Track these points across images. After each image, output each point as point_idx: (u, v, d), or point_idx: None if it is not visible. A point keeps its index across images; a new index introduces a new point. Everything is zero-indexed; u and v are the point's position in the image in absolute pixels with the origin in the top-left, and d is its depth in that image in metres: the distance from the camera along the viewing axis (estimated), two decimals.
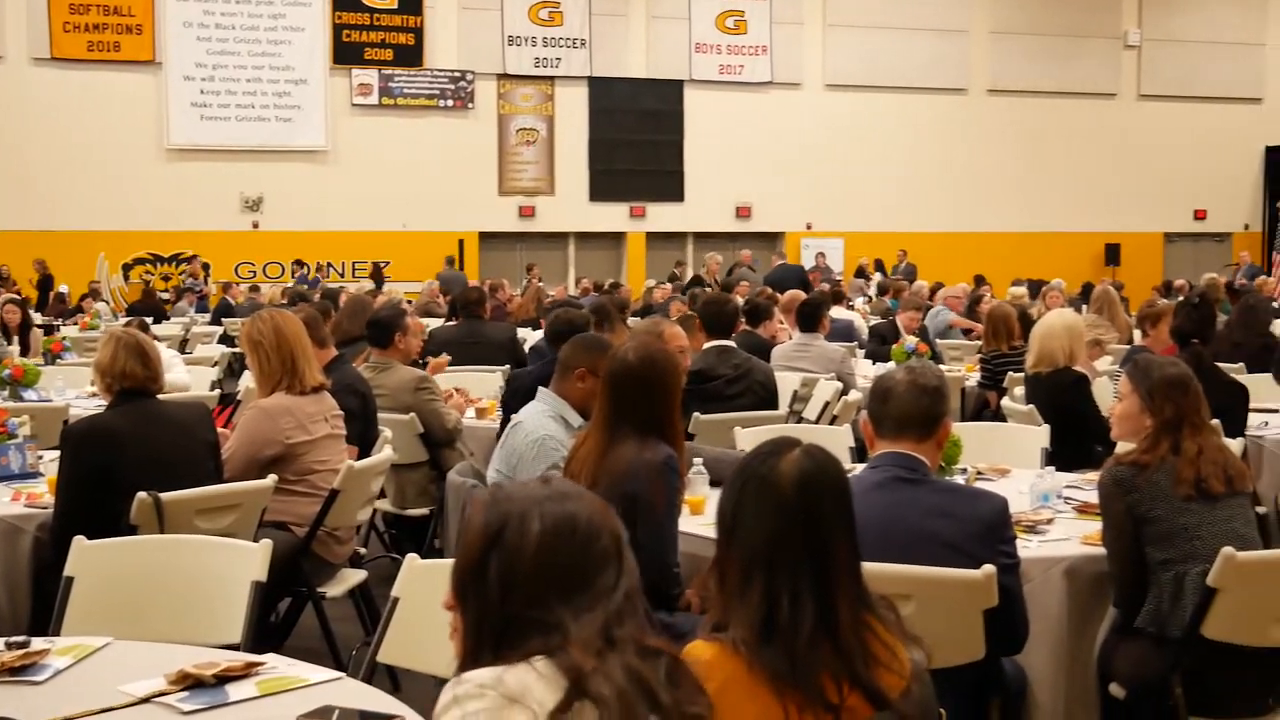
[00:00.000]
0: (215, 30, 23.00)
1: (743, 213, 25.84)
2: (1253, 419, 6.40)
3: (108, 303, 19.80)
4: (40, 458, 5.19)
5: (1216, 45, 27.82)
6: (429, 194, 23.73)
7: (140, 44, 22.65)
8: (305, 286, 18.24)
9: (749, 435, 5.61)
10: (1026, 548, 3.83)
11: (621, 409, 3.90)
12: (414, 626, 3.36)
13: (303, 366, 5.08)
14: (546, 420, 4.47)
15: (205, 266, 22.21)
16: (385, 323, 6.80)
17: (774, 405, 6.87)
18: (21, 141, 21.82)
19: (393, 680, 4.08)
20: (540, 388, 4.67)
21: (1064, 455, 5.53)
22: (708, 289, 15.56)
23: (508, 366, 8.65)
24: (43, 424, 6.06)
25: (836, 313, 11.64)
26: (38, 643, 3.01)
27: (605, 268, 24.49)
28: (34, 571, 4.43)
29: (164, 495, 4.28)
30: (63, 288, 19.76)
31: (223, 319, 15.73)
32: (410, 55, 23.96)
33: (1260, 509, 5.09)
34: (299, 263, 22.59)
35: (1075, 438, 5.88)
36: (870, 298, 18.94)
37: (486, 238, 24.61)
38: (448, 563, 3.52)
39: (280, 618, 5.13)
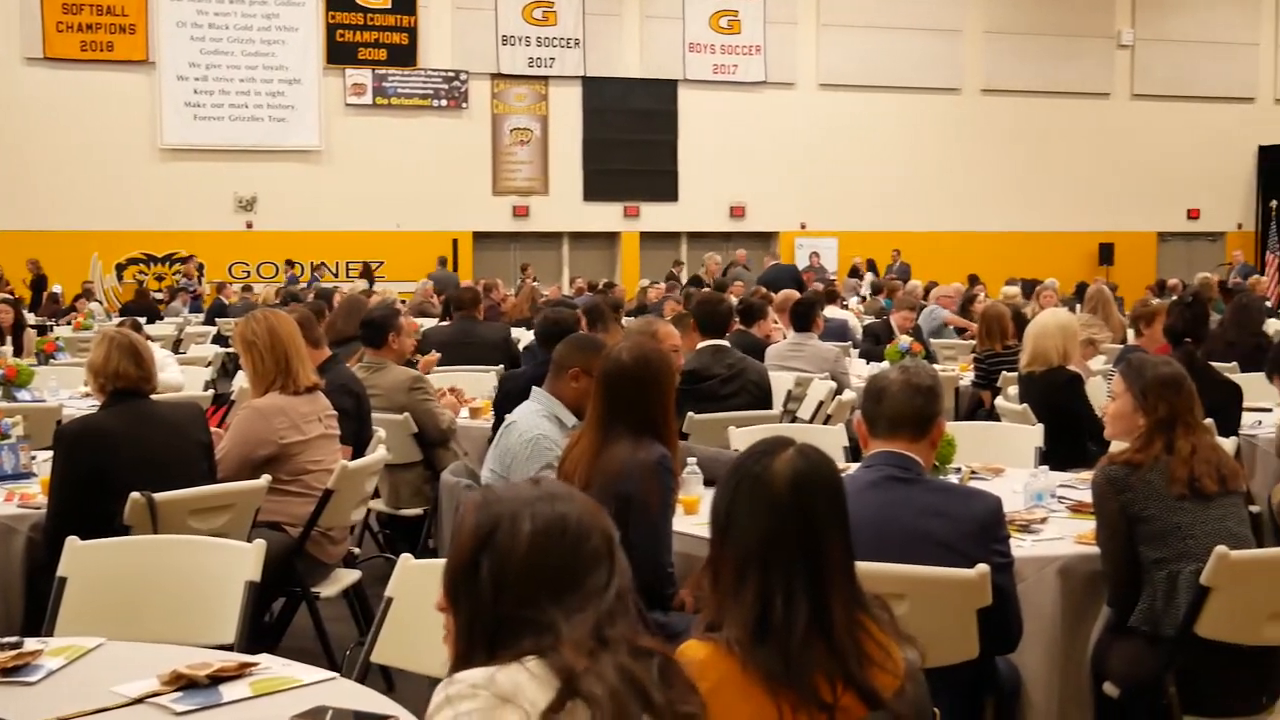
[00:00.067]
0: (209, 30, 22.98)
1: (737, 212, 25.85)
2: (1246, 418, 6.41)
3: (101, 303, 19.78)
4: (33, 458, 5.18)
5: (1210, 45, 27.86)
6: (423, 194, 23.72)
7: (133, 44, 22.62)
8: (298, 286, 18.23)
9: (743, 435, 5.61)
10: (1020, 547, 3.83)
11: (615, 409, 3.90)
12: (408, 626, 3.36)
13: (296, 366, 5.07)
14: (540, 420, 4.46)
15: (200, 267, 22.18)
16: (379, 323, 6.79)
17: (768, 405, 6.87)
18: (14, 141, 21.78)
19: (386, 680, 4.08)
20: (534, 387, 4.66)
21: (1058, 454, 5.54)
22: (706, 289, 15.56)
23: (501, 366, 8.65)
24: (36, 424, 6.05)
25: (830, 312, 11.66)
26: (31, 643, 3.00)
27: (599, 267, 24.48)
28: (27, 572, 4.43)
29: (157, 495, 4.28)
30: (56, 288, 19.73)
31: (216, 319, 15.72)
32: (404, 55, 23.95)
33: (1253, 508, 5.11)
34: (290, 263, 22.56)
35: (1069, 437, 5.89)
36: (864, 297, 18.96)
37: (480, 237, 24.60)
38: (441, 563, 3.51)
39: (274, 618, 5.13)
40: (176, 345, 12.72)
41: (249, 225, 23.39)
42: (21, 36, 22.02)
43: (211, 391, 8.37)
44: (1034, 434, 5.87)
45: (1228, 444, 4.98)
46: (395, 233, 23.74)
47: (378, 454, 5.50)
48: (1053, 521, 4.25)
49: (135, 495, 4.24)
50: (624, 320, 9.87)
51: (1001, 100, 26.89)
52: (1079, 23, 27.30)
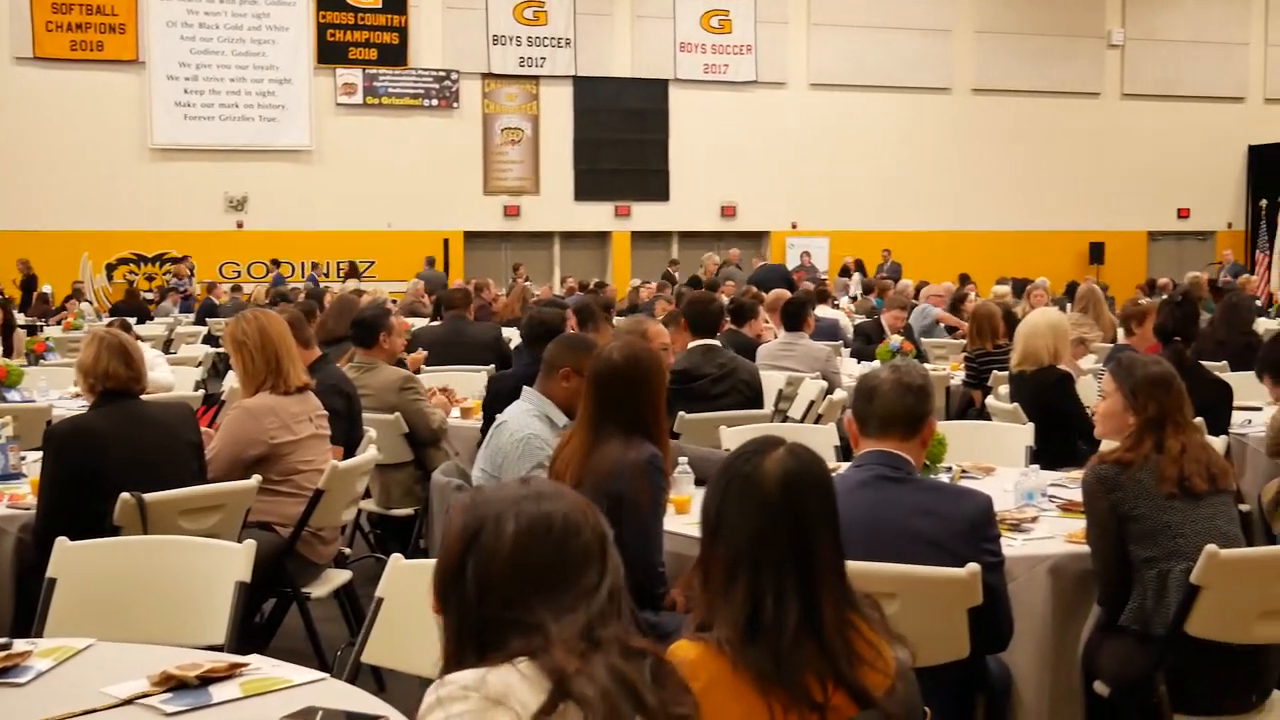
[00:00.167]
0: (199, 29, 22.93)
1: (728, 212, 25.86)
2: (1236, 417, 6.42)
3: (91, 303, 19.74)
4: (23, 459, 5.17)
5: (1200, 44, 27.93)
6: (414, 193, 23.70)
7: (123, 43, 22.58)
8: (285, 286, 18.20)
9: (734, 434, 5.61)
10: (1011, 546, 3.83)
11: (606, 408, 3.90)
12: (398, 627, 3.35)
13: (287, 366, 5.07)
14: (531, 419, 4.46)
15: (192, 267, 22.13)
16: (370, 322, 6.79)
17: (759, 404, 6.88)
18: (4, 141, 21.72)
19: (377, 680, 4.08)
20: (525, 387, 4.66)
21: (1048, 453, 5.55)
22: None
23: (492, 366, 8.64)
24: (26, 425, 6.04)
25: (821, 311, 11.66)
26: (20, 644, 2.99)
27: (590, 267, 24.48)
28: (16, 573, 4.41)
29: (147, 496, 4.27)
30: (46, 288, 19.69)
31: (207, 319, 15.70)
32: (395, 55, 23.92)
33: (1243, 507, 5.11)
34: (275, 262, 22.54)
35: (1060, 436, 5.90)
36: (855, 296, 18.98)
37: (471, 237, 24.58)
38: (432, 563, 3.51)
39: (265, 618, 5.12)
40: (167, 345, 12.70)
41: (239, 225, 23.35)
42: (11, 36, 21.96)
43: (202, 391, 8.36)
44: (1025, 433, 5.88)
45: (1218, 443, 4.98)
46: (386, 232, 23.72)
47: (368, 454, 5.50)
48: (1043, 520, 4.25)
49: (125, 496, 4.23)
50: (615, 320, 9.86)
51: (992, 100, 26.93)
52: (1070, 22, 27.34)
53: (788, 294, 10.78)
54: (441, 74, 24.13)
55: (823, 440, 5.68)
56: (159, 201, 22.54)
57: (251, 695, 2.72)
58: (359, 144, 23.49)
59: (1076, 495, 4.15)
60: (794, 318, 8.55)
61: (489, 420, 5.34)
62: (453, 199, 24.13)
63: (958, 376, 9.14)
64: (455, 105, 24.25)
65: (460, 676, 1.84)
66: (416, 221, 23.75)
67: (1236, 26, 28.41)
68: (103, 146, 22.25)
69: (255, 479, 4.67)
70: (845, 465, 3.80)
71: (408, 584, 3.37)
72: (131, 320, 11.66)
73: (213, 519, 4.46)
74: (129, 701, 2.67)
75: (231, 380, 7.55)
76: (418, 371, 7.89)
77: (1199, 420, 4.20)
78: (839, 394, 7.22)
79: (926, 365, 9.67)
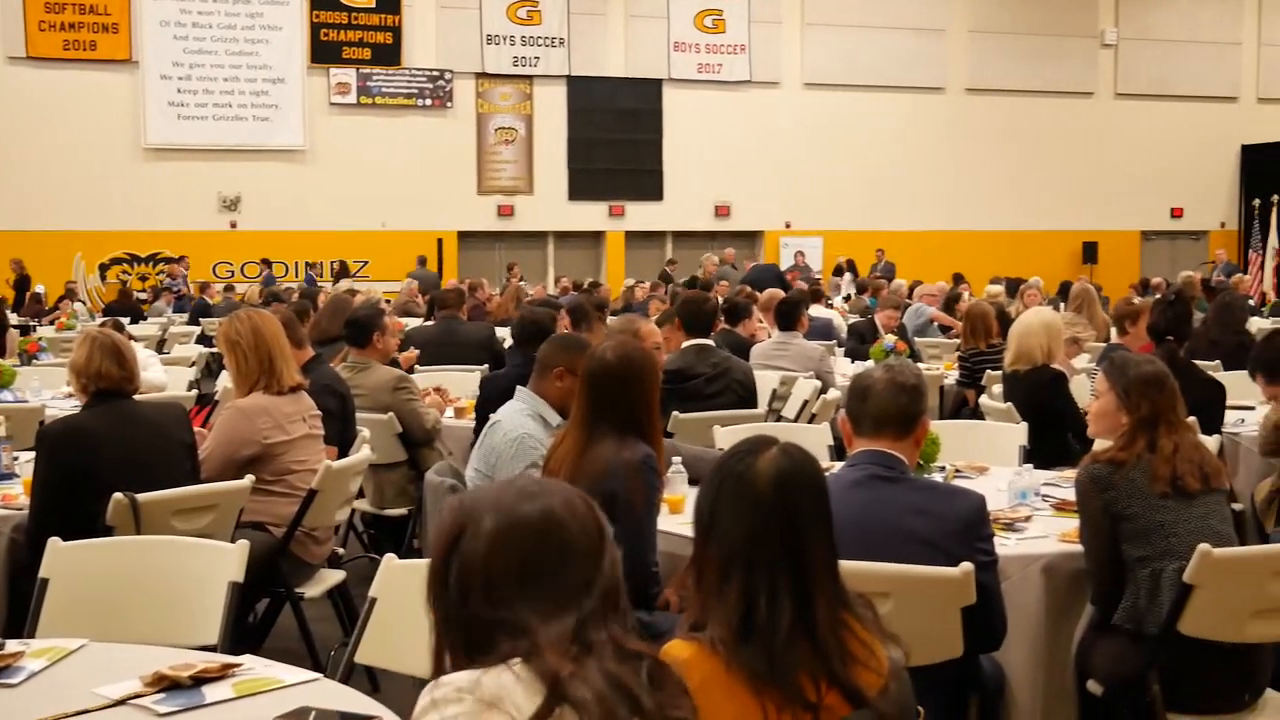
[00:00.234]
0: (192, 29, 22.90)
1: (722, 211, 25.86)
2: (1229, 416, 6.43)
3: (84, 303, 19.72)
4: (16, 459, 5.17)
5: (1193, 44, 27.97)
6: (407, 193, 23.68)
7: (116, 43, 22.54)
8: (279, 286, 18.18)
9: (728, 434, 5.61)
10: (1004, 545, 3.84)
11: (600, 408, 3.89)
12: (392, 627, 3.35)
13: (280, 366, 5.06)
14: (525, 419, 4.46)
15: (187, 268, 22.09)
16: (363, 322, 6.78)
17: (753, 404, 6.87)
18: None
19: (371, 681, 4.07)
20: (519, 387, 4.66)
21: (1042, 453, 5.56)
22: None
23: (486, 366, 8.64)
24: (18, 425, 6.03)
25: (815, 311, 11.67)
26: (12, 645, 2.99)
27: (584, 267, 24.47)
28: (9, 573, 4.41)
29: (140, 496, 4.27)
30: (39, 288, 19.65)
31: (200, 319, 15.68)
32: (388, 54, 23.90)
33: (1236, 506, 5.12)
34: (265, 262, 22.52)
35: (1053, 435, 5.91)
36: (849, 296, 18.99)
37: (465, 237, 24.57)
38: (425, 563, 3.52)
39: (258, 618, 5.11)
40: (160, 345, 12.68)
41: (233, 225, 23.32)
42: (3, 36, 21.92)
43: (196, 392, 8.35)
44: (1018, 432, 5.89)
45: (1211, 442, 4.99)
46: (380, 232, 23.70)
47: (362, 454, 5.49)
48: (1037, 520, 4.26)
49: (118, 496, 4.22)
50: (609, 319, 9.86)
51: (986, 99, 26.95)
52: (1063, 22, 27.37)
53: (781, 293, 10.78)
54: (435, 74, 24.12)
55: (816, 440, 5.68)
56: (152, 201, 22.51)
57: (244, 695, 2.71)
58: (353, 144, 23.47)
59: (1070, 494, 4.16)
60: (788, 317, 8.55)
61: (481, 421, 5.33)
62: (446, 199, 24.12)
63: (951, 376, 9.15)
64: (449, 105, 24.24)
65: (455, 678, 1.83)
66: (410, 221, 23.74)
67: (1230, 26, 28.45)
68: (96, 146, 22.21)
69: (248, 479, 4.66)
70: (839, 465, 3.80)
71: (401, 584, 3.37)
72: (125, 320, 11.67)
73: (206, 519, 4.45)
74: (122, 702, 2.66)
75: (225, 380, 7.54)
76: (410, 370, 7.88)
77: (1192, 419, 4.20)
78: (833, 393, 7.22)
79: (920, 365, 9.69)
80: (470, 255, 24.44)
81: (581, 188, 25.04)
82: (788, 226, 26.10)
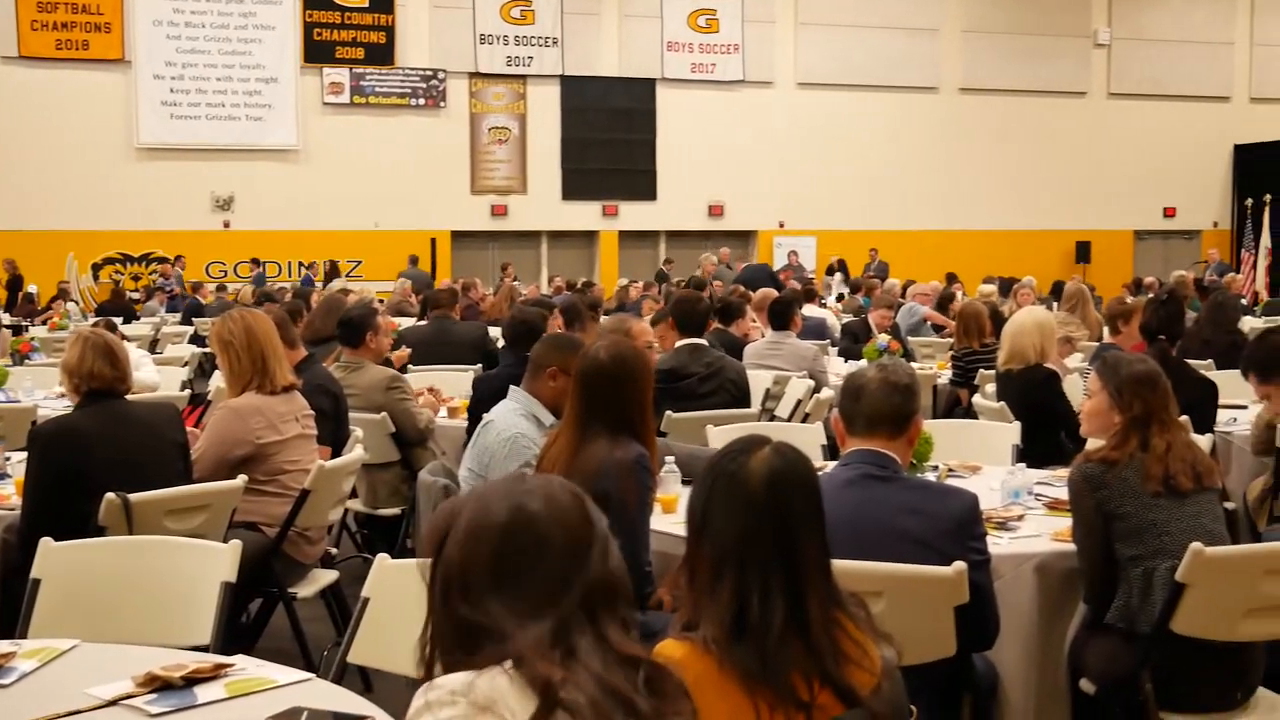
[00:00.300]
0: (185, 28, 22.87)
1: (715, 211, 25.87)
2: (1221, 415, 6.44)
3: (77, 303, 19.68)
4: (8, 459, 5.15)
5: (1186, 44, 28.01)
6: (401, 193, 23.67)
7: (109, 42, 22.51)
8: (272, 286, 18.16)
9: (721, 433, 5.60)
10: (997, 544, 3.84)
11: (593, 407, 3.89)
12: (385, 627, 3.34)
13: (273, 366, 5.06)
14: (518, 419, 4.46)
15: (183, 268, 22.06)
16: (356, 322, 6.77)
17: (746, 403, 6.87)
18: None
19: (364, 681, 4.07)
20: (512, 386, 4.66)
21: (1035, 452, 5.56)
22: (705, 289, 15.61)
23: (479, 366, 8.63)
24: (11, 425, 6.03)
25: (809, 310, 11.67)
26: (4, 645, 2.99)
27: (578, 266, 24.47)
28: (1, 574, 4.39)
29: (132, 496, 4.26)
30: (32, 288, 19.63)
31: (193, 319, 15.66)
32: (381, 54, 23.88)
33: (1228, 505, 5.13)
34: (255, 261, 22.49)
35: (1046, 434, 5.91)
36: (842, 295, 19.01)
37: (459, 236, 24.56)
38: (419, 563, 3.51)
39: (251, 619, 5.11)
40: (153, 345, 12.66)
41: (226, 225, 23.29)
42: None
43: (188, 391, 8.34)
44: (1011, 431, 5.89)
45: (1203, 441, 4.99)
46: (373, 232, 23.69)
47: (355, 454, 5.49)
48: (1029, 519, 4.26)
49: (110, 496, 4.21)
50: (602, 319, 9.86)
51: (979, 99, 26.98)
52: (1056, 22, 27.41)
53: (775, 293, 10.79)
54: (428, 73, 24.10)
55: (810, 439, 5.68)
56: (145, 201, 22.48)
57: (237, 696, 2.71)
58: (346, 143, 23.45)
59: (1063, 493, 4.16)
60: (781, 317, 8.55)
61: (474, 421, 5.33)
62: (440, 198, 24.11)
63: (944, 375, 9.15)
64: (442, 104, 24.23)
65: (449, 681, 1.82)
66: (403, 221, 23.72)
67: (1222, 26, 28.49)
68: (88, 146, 22.18)
69: (241, 479, 4.65)
70: (832, 464, 3.80)
71: (394, 584, 3.36)
72: (117, 320, 11.65)
73: (198, 519, 4.44)
74: (113, 702, 2.66)
75: (218, 380, 7.53)
76: (402, 369, 7.87)
77: (1184, 419, 4.21)
78: (826, 393, 7.23)
79: (913, 364, 9.69)
80: (464, 255, 24.42)
81: (575, 187, 25.04)
82: (781, 226, 26.11)
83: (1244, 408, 6.78)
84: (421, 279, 19.58)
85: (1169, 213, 28.65)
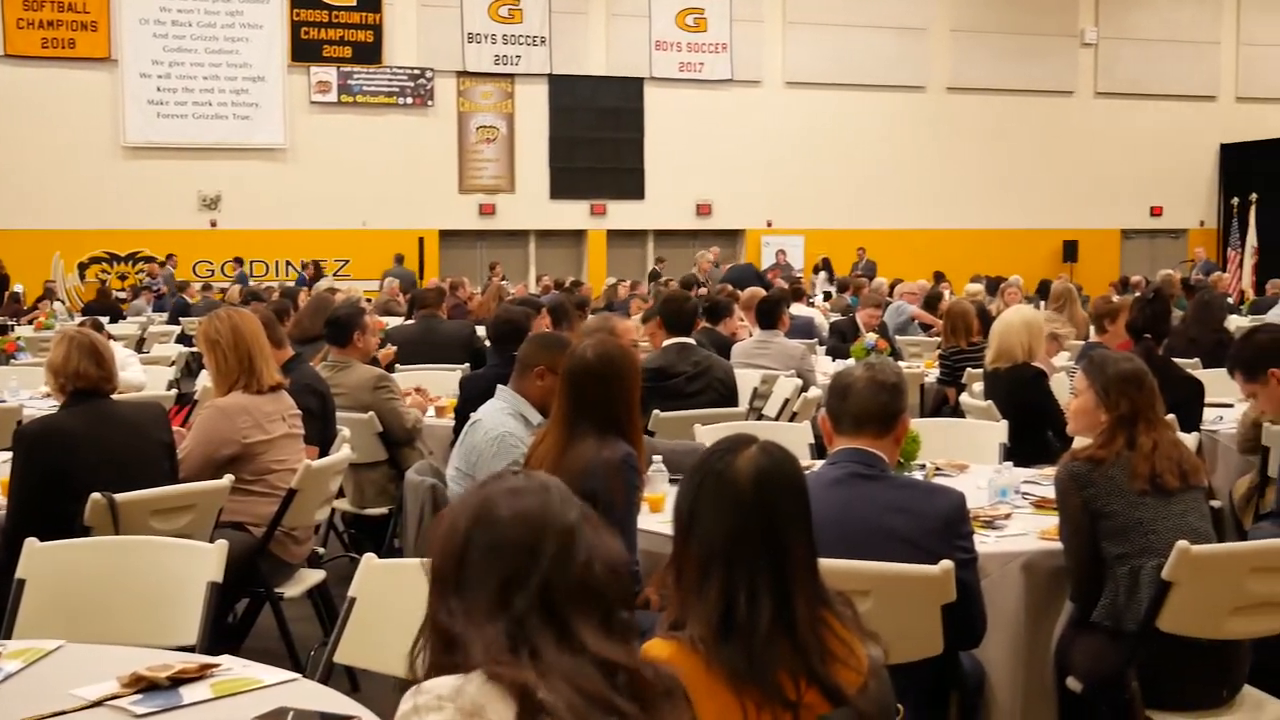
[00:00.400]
0: (172, 27, 22.81)
1: (703, 210, 25.88)
2: (1207, 414, 6.45)
3: (63, 302, 19.63)
4: None
5: (1172, 44, 28.10)
6: (389, 192, 23.64)
7: (95, 41, 22.44)
8: (260, 286, 18.13)
9: (709, 432, 5.59)
10: (984, 543, 3.84)
11: (580, 406, 3.89)
12: (372, 627, 3.34)
13: (260, 366, 5.05)
14: (506, 418, 4.45)
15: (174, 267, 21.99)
16: (344, 321, 6.76)
17: (734, 402, 6.88)
18: None
19: (351, 681, 4.06)
20: (499, 385, 4.65)
21: (1022, 450, 5.57)
22: (702, 288, 15.64)
23: (467, 365, 8.62)
24: None
25: (796, 309, 11.68)
26: None
27: (566, 265, 24.45)
28: None
29: (118, 496, 4.24)
30: (17, 287, 19.55)
31: (180, 318, 15.63)
32: (369, 52, 23.85)
33: (1214, 503, 5.14)
34: (238, 260, 22.44)
35: (1033, 433, 5.92)
36: (829, 294, 19.03)
37: (447, 235, 24.54)
38: (405, 562, 3.51)
39: (237, 618, 5.10)
40: (140, 344, 12.63)
41: (213, 224, 23.24)
42: None
43: (175, 391, 8.31)
44: (998, 430, 5.90)
45: (1189, 439, 5.01)
46: (361, 231, 23.65)
47: (342, 453, 5.48)
48: (1016, 517, 4.26)
49: (96, 496, 4.20)
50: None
51: (967, 98, 27.02)
52: (1043, 21, 27.47)
53: (763, 292, 10.80)
54: (416, 72, 24.07)
55: (797, 438, 5.68)
56: (132, 200, 22.42)
57: (223, 696, 2.70)
58: (333, 142, 23.42)
59: (1049, 492, 4.16)
60: (769, 316, 8.55)
61: (462, 421, 5.32)
62: (428, 197, 24.08)
63: (932, 374, 9.16)
64: (430, 103, 24.20)
65: (437, 685, 1.81)
66: (391, 220, 23.69)
67: (1208, 26, 28.58)
68: (75, 145, 22.11)
69: (228, 479, 4.64)
70: (819, 463, 3.81)
71: (381, 584, 3.36)
72: (104, 319, 11.61)
73: (184, 519, 4.43)
74: (99, 703, 2.64)
75: (205, 379, 7.51)
76: (389, 368, 7.86)
77: (1170, 417, 4.21)
78: (814, 392, 7.23)
79: (901, 363, 9.71)
80: (452, 254, 24.40)
81: (563, 186, 25.03)
82: (769, 225, 26.13)
83: (1230, 406, 6.80)
84: (407, 278, 19.57)
85: (1156, 212, 28.74)
